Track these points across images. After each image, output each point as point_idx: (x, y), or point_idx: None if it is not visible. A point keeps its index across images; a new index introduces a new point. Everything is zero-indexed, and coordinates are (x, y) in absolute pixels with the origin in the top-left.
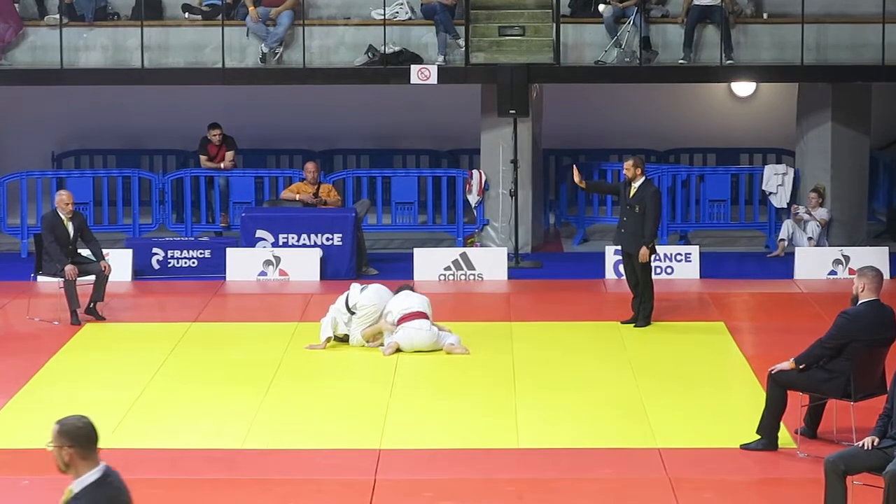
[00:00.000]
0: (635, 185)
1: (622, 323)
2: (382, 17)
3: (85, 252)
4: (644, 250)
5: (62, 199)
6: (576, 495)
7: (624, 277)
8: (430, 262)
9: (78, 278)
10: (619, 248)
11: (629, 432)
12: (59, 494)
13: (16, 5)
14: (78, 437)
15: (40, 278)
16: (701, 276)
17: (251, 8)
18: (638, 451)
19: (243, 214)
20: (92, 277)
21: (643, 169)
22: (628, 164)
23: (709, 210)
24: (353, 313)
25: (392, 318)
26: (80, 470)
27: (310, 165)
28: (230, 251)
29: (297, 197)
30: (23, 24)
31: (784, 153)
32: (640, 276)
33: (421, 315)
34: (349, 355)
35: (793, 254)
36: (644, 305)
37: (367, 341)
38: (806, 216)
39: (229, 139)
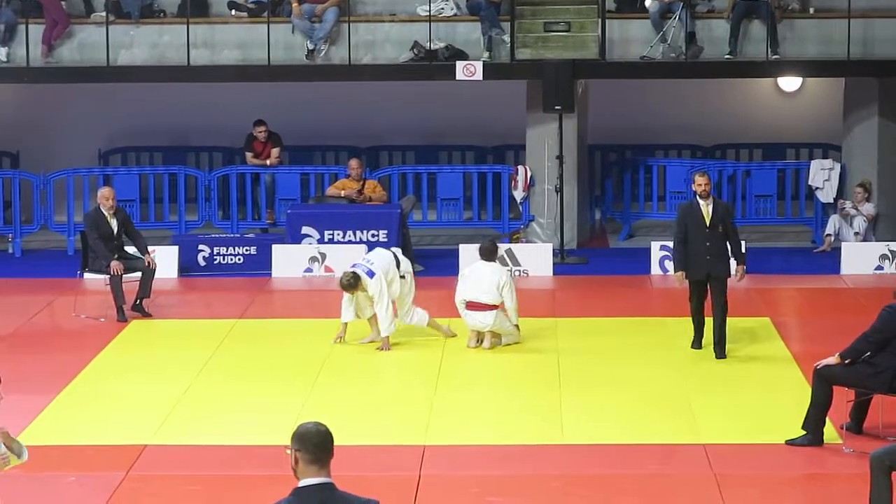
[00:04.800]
0: (707, 202)
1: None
2: (428, 14)
3: (131, 249)
4: (741, 267)
5: (103, 195)
6: (621, 491)
7: (677, 283)
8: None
9: (124, 275)
10: (696, 274)
11: (674, 428)
12: (106, 492)
13: (63, 3)
14: (304, 441)
15: (87, 275)
16: (747, 272)
17: (295, 4)
18: (683, 448)
19: (289, 211)
20: (138, 274)
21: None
22: (702, 179)
23: (755, 205)
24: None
25: (460, 297)
26: (304, 475)
27: (353, 162)
28: (276, 248)
29: (343, 193)
30: (70, 22)
31: (830, 148)
32: (721, 300)
33: (486, 308)
34: (395, 352)
35: (839, 249)
36: (723, 331)
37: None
38: (852, 211)
39: (275, 136)
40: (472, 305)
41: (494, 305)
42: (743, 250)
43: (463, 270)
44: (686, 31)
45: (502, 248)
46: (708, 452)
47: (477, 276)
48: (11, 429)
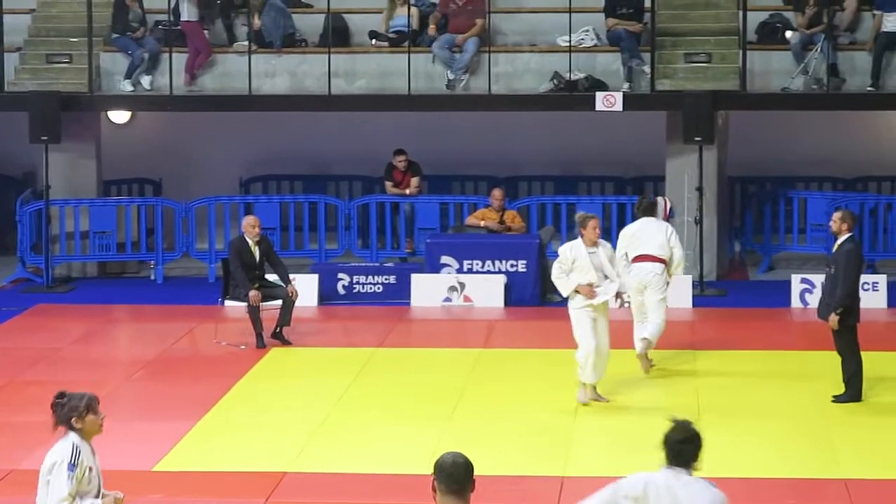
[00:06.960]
0: (839, 241)
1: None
2: (568, 44)
3: (272, 277)
4: (833, 316)
5: (249, 223)
6: None
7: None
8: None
9: (265, 303)
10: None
11: (814, 462)
12: None
13: (205, 32)
14: (442, 472)
15: (227, 303)
16: (888, 306)
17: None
18: (823, 482)
19: (428, 240)
20: (278, 302)
21: (851, 224)
22: (835, 216)
23: None
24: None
25: (622, 253)
26: None
27: (496, 192)
28: (415, 277)
29: (482, 223)
30: (212, 51)
31: None
32: (836, 346)
33: (655, 259)
34: (533, 383)
35: None
36: (852, 379)
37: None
38: None
39: (415, 165)
40: (642, 258)
41: (663, 259)
42: (843, 296)
43: (625, 231)
44: (828, 63)
45: None
46: (849, 488)
47: (643, 232)
48: (152, 455)
